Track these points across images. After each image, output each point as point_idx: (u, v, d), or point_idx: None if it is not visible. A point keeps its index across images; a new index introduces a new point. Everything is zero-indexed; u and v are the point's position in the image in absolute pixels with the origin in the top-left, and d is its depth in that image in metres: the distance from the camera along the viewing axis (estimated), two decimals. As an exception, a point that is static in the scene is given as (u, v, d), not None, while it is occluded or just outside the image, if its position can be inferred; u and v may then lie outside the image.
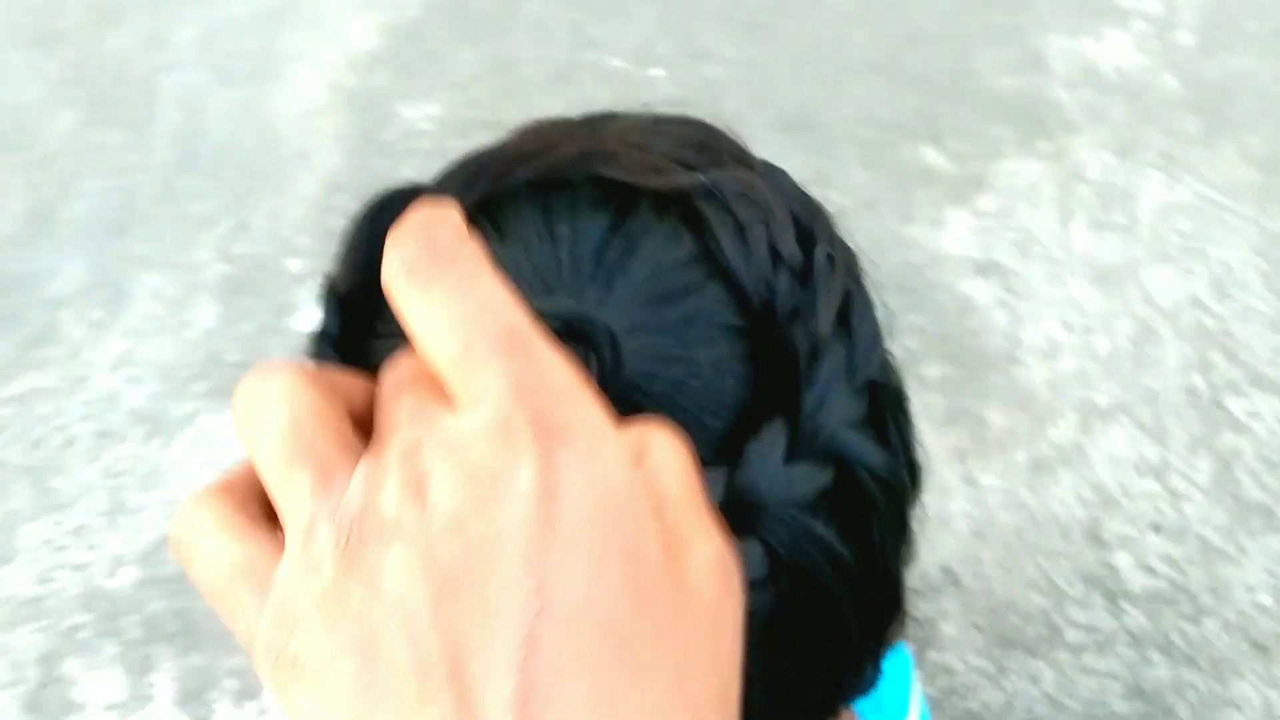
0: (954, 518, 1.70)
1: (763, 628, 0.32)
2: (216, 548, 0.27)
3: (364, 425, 0.28)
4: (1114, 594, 1.63)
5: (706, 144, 0.40)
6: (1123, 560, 1.66)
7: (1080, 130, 2.14)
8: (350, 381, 0.30)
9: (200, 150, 2.24)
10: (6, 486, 1.82)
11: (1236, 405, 1.80)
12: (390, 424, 0.27)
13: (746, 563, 0.32)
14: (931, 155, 2.11)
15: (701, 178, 0.37)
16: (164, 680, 1.65)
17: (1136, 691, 1.55)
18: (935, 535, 1.68)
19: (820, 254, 0.37)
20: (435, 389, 0.27)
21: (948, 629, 1.61)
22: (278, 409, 0.27)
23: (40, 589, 1.72)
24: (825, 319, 0.35)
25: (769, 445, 0.33)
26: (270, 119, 2.28)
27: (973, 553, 1.67)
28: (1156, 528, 1.68)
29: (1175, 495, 1.70)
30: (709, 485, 0.30)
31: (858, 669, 0.39)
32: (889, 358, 0.39)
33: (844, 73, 2.24)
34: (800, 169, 1.93)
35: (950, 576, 1.65)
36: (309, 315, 1.97)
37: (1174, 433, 1.76)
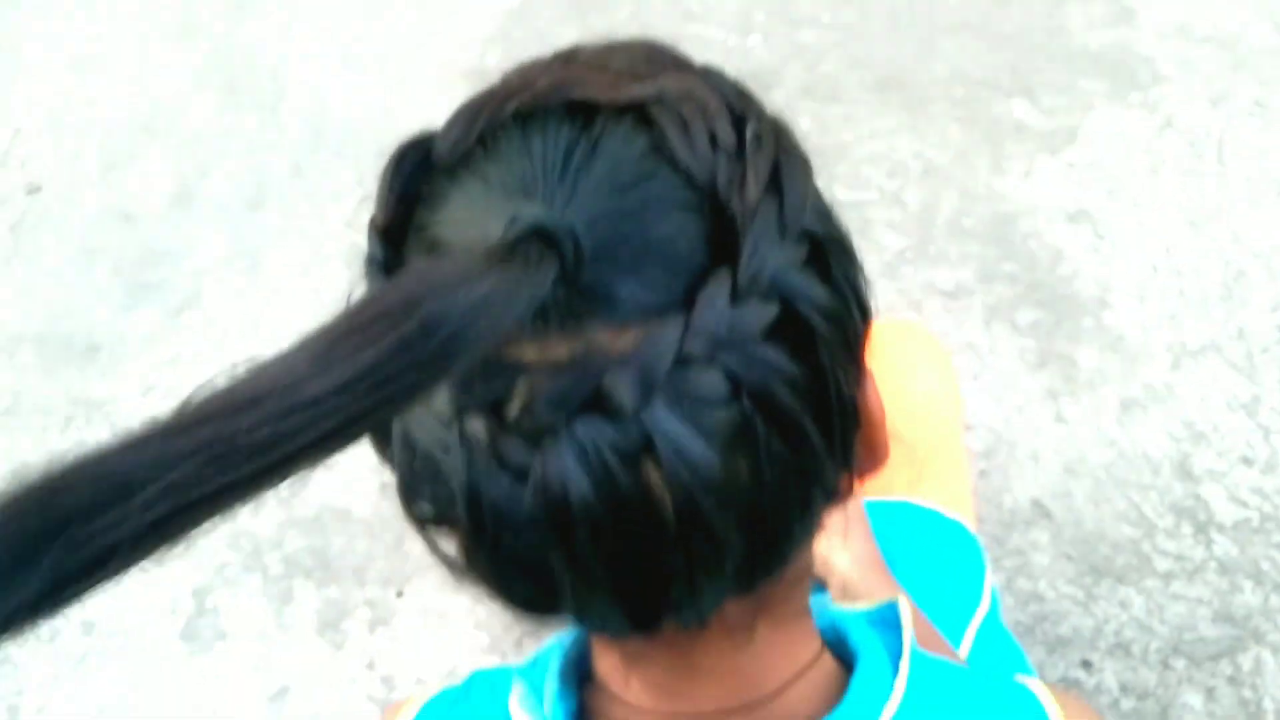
0: (1045, 454, 1.74)
1: (737, 439, 0.41)
2: None
3: None
4: (1204, 525, 1.66)
5: (654, 57, 0.48)
6: (1213, 492, 1.68)
7: (1172, 81, 2.15)
8: None
9: (327, 129, 2.39)
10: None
11: (1330, 343, 1.81)
12: None
13: (707, 386, 0.40)
14: (1023, 109, 2.14)
15: (650, 87, 0.45)
16: (303, 611, 1.79)
17: (1226, 617, 1.58)
18: (1026, 471, 1.73)
19: (750, 134, 0.44)
20: None
21: (1039, 559, 1.66)
22: None
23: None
24: (754, 185, 0.43)
25: (714, 291, 0.41)
26: (392, 98, 2.42)
27: (1064, 487, 1.71)
28: (1247, 461, 1.70)
29: (1266, 430, 1.72)
30: (671, 330, 0.40)
31: (829, 475, 0.47)
32: (829, 213, 0.46)
33: (936, 33, 2.28)
34: (894, 126, 2.05)
35: (1041, 510, 1.70)
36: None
37: (1264, 370, 1.77)
